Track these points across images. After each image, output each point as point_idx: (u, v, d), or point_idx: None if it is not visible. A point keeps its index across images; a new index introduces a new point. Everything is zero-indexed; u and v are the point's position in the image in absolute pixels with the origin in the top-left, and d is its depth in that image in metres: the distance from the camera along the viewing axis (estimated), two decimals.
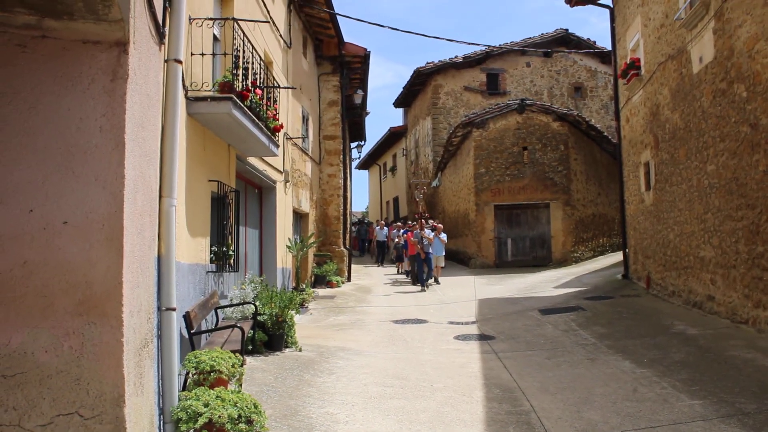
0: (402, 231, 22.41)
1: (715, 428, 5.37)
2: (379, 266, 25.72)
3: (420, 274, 17.63)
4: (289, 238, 14.44)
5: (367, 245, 32.68)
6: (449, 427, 5.85)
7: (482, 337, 10.26)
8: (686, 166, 10.82)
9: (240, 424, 4.58)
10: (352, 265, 20.42)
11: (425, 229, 18.26)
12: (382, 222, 29.20)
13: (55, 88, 3.75)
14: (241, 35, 8.35)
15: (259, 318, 8.69)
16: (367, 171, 47.69)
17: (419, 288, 17.26)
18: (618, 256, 18.74)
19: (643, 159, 13.60)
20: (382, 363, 8.52)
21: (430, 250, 17.86)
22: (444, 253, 19.15)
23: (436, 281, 18.43)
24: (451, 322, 11.92)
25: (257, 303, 8.98)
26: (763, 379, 6.55)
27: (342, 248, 19.42)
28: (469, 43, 27.83)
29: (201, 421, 4.49)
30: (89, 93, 3.75)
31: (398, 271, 22.39)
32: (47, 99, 3.73)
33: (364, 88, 21.99)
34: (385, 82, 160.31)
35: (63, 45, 3.77)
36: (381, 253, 26.82)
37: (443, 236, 18.90)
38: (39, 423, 3.54)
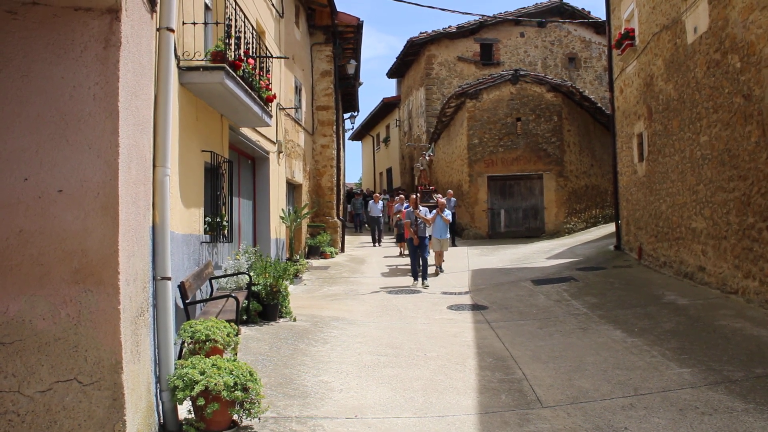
0: (404, 206, 17.43)
1: (703, 395, 5.45)
2: (375, 246, 21.79)
3: (413, 264, 13.55)
4: (282, 209, 14.45)
5: (363, 219, 28.47)
6: (442, 394, 5.92)
7: (475, 307, 10.35)
8: (679, 138, 10.84)
9: (236, 392, 4.63)
10: (346, 237, 20.42)
11: (421, 208, 14.12)
12: (377, 195, 24.36)
13: (47, 55, 3.72)
14: (233, 4, 8.27)
15: (253, 288, 8.72)
16: (360, 142, 47.55)
17: (412, 282, 13.31)
18: (610, 228, 18.84)
19: (637, 130, 13.61)
20: (375, 332, 8.60)
21: (427, 234, 13.77)
22: (449, 236, 14.96)
23: (440, 270, 14.67)
24: (445, 293, 12.01)
25: (251, 273, 9.01)
26: (750, 347, 6.64)
27: (335, 219, 19.44)
28: (463, 13, 27.71)
29: (197, 388, 4.53)
30: (82, 61, 3.73)
31: (400, 253, 18.33)
32: (39, 67, 3.71)
33: (357, 59, 21.82)
34: (377, 53, 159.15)
35: (54, 12, 3.74)
36: (376, 231, 22.28)
37: (447, 214, 14.39)
38: (38, 389, 3.58)
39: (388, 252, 19.66)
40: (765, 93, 7.74)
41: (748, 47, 8.13)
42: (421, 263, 13.32)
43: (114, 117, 3.72)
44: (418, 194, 15.41)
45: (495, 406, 5.58)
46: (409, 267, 14.54)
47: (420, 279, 13.14)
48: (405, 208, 15.76)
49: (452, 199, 19.38)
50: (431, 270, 14.23)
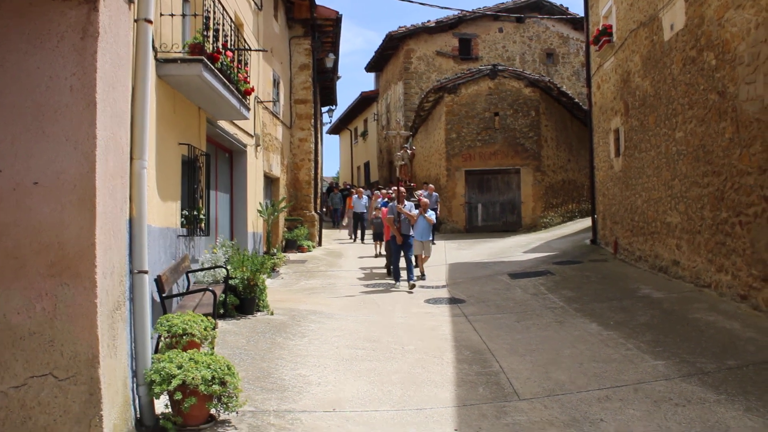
0: (381, 202, 16.31)
1: (676, 387, 5.54)
2: (354, 242, 21.01)
3: (395, 264, 12.50)
4: (260, 203, 14.37)
5: (339, 215, 27.53)
6: (420, 387, 5.95)
7: (452, 301, 10.39)
8: (655, 133, 10.96)
9: (214, 386, 4.61)
10: (324, 231, 20.32)
11: (406, 203, 12.75)
12: (360, 189, 22.75)
13: (22, 45, 3.67)
14: None
15: (230, 282, 8.67)
16: (338, 136, 47.45)
17: (394, 284, 12.21)
18: (587, 222, 19.02)
19: (614, 126, 13.74)
20: (353, 326, 8.60)
21: (411, 232, 12.51)
22: (431, 237, 13.57)
23: (422, 276, 13.03)
24: (422, 286, 12.03)
25: (229, 267, 8.96)
26: (723, 340, 6.75)
27: (313, 213, 19.38)
28: (442, 7, 27.68)
29: (175, 382, 4.50)
30: (58, 51, 3.68)
31: (376, 253, 17.09)
32: (14, 57, 3.66)
33: (336, 52, 21.73)
34: (355, 47, 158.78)
35: (30, 1, 3.68)
36: (359, 227, 21.27)
37: (430, 214, 13.03)
38: (12, 384, 3.54)
39: (367, 247, 19.12)
40: (739, 90, 7.85)
41: (723, 45, 8.24)
42: (405, 264, 12.23)
43: (91, 108, 3.67)
44: (402, 189, 13.51)
45: (473, 399, 5.62)
46: (383, 268, 14.03)
47: (403, 281, 12.13)
48: (382, 205, 14.85)
49: (434, 194, 18.28)
50: (416, 273, 12.73)
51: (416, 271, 12.84)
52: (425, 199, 13.41)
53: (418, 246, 12.84)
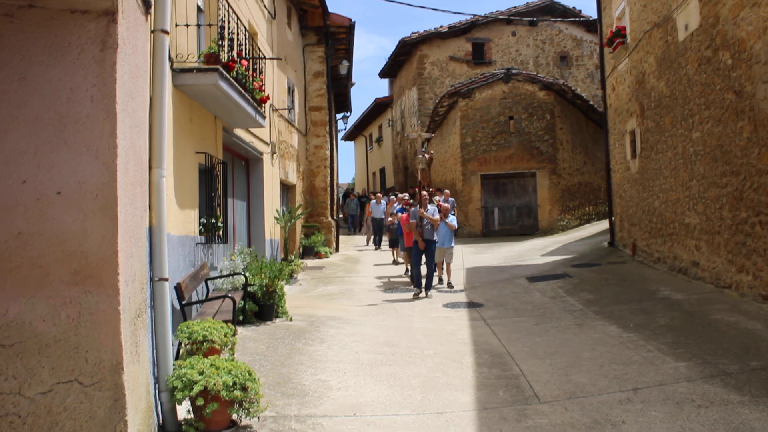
0: (398, 208, 15.47)
1: (698, 388, 5.50)
2: (375, 249, 20.38)
3: (416, 271, 11.87)
4: (276, 210, 14.45)
5: (357, 221, 27.06)
6: (440, 391, 5.95)
7: (471, 305, 10.38)
8: (672, 134, 10.90)
9: (235, 391, 4.64)
10: (341, 238, 20.36)
11: (429, 207, 12.11)
12: (379, 195, 22.00)
13: (44, 58, 3.73)
14: (226, 5, 8.29)
15: (249, 289, 8.73)
16: (353, 142, 47.54)
17: (416, 291, 11.67)
18: (604, 224, 18.90)
19: (629, 127, 13.68)
20: (372, 331, 8.62)
21: (435, 237, 11.99)
22: (453, 245, 12.86)
23: (449, 285, 12.50)
24: (440, 291, 12.03)
25: (247, 274, 9.02)
26: (745, 341, 6.69)
27: (330, 219, 19.45)
28: (455, 13, 27.79)
29: (196, 389, 4.54)
30: (79, 63, 3.73)
31: (393, 259, 16.91)
32: (37, 69, 3.72)
33: (350, 59, 21.84)
34: (368, 54, 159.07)
35: (51, 14, 3.75)
36: (378, 234, 20.64)
37: (451, 219, 12.65)
38: (39, 391, 3.59)
39: (384, 253, 18.91)
40: (756, 89, 7.80)
41: (739, 44, 8.19)
42: (426, 271, 11.93)
43: (112, 118, 3.73)
44: (425, 193, 12.71)
45: (493, 402, 5.61)
46: (401, 277, 13.97)
47: (424, 289, 11.67)
48: (398, 211, 14.62)
49: (450, 199, 17.82)
50: (435, 282, 12.56)
51: (435, 279, 12.56)
52: (445, 204, 13.06)
53: (439, 253, 12.45)
